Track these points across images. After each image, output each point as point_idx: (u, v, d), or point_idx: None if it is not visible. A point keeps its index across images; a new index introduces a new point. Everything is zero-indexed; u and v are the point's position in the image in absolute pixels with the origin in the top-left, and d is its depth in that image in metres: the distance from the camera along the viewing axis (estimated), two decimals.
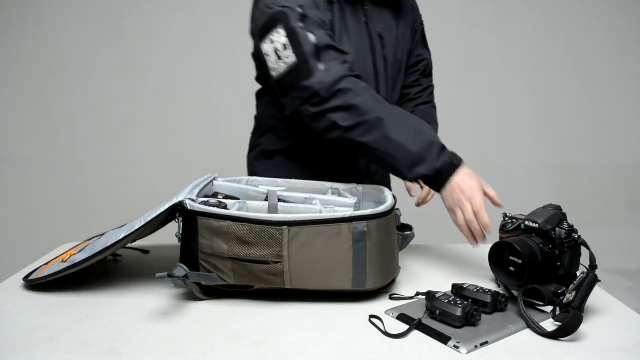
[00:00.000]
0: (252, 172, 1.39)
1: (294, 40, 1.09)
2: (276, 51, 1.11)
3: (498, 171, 3.16)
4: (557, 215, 0.97)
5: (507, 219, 1.06)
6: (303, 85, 1.09)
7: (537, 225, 0.97)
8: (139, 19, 3.01)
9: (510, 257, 0.95)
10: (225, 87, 3.01)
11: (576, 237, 0.95)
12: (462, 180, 1.06)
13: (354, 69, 1.13)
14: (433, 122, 1.43)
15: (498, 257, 0.98)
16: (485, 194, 1.07)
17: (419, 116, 1.41)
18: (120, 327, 0.88)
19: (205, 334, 0.85)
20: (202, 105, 3.08)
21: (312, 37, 1.09)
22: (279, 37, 1.10)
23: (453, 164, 1.07)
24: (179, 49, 3.04)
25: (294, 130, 1.28)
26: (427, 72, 1.48)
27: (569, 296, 0.88)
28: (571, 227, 0.96)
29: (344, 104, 1.07)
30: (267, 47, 1.13)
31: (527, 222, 0.99)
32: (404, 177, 1.11)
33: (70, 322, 0.90)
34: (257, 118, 1.41)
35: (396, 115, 1.09)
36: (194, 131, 3.08)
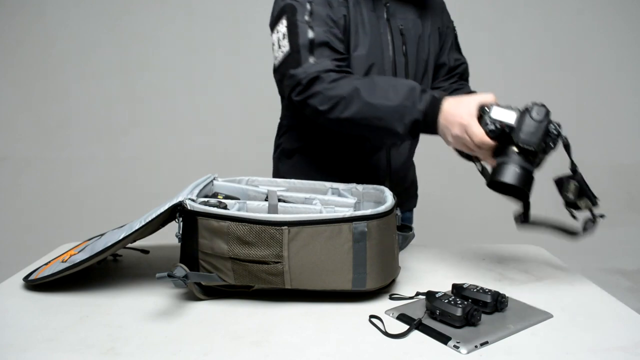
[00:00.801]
0: (276, 172, 1.40)
1: (292, 31, 1.15)
2: (278, 40, 1.18)
3: None
4: (546, 124, 0.96)
5: (486, 115, 0.99)
6: (290, 73, 1.14)
7: (533, 149, 0.95)
8: (139, 18, 3.02)
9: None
10: (225, 87, 3.01)
11: (564, 140, 0.97)
12: (449, 111, 1.02)
13: (356, 65, 1.18)
14: None
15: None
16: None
17: None
18: (120, 327, 0.88)
19: (205, 334, 0.85)
20: (202, 105, 3.08)
21: (310, 32, 1.14)
22: (282, 27, 1.17)
23: (435, 97, 1.05)
24: (179, 48, 3.04)
25: (309, 129, 1.30)
26: (466, 76, 1.46)
27: (582, 203, 0.97)
28: (558, 133, 0.97)
29: (321, 90, 1.11)
30: (273, 37, 1.20)
31: (522, 145, 0.96)
32: (398, 135, 1.09)
33: (70, 322, 0.90)
34: (280, 118, 1.43)
35: (370, 81, 1.11)
36: (193, 131, 3.08)
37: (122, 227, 1.05)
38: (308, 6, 1.16)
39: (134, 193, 2.87)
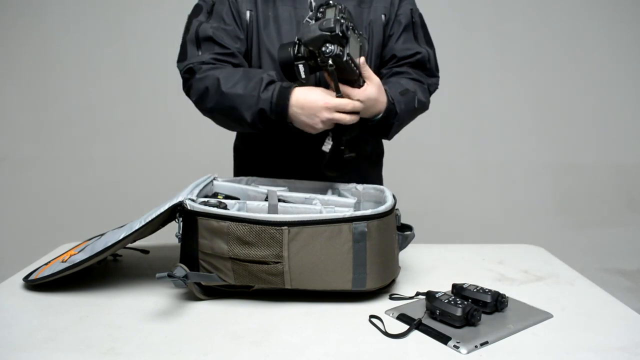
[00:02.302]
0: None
1: (185, 28, 1.23)
2: None
3: (498, 171, 3.17)
4: (322, 37, 0.97)
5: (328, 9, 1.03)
6: (177, 66, 1.22)
7: (298, 42, 1.02)
8: (139, 18, 3.01)
9: None
10: None
11: (329, 66, 0.98)
12: (301, 99, 1.05)
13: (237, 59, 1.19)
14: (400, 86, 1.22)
15: None
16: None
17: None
18: (120, 327, 0.88)
19: (205, 334, 0.85)
20: None
21: (198, 28, 1.19)
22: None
23: (283, 87, 1.06)
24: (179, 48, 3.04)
25: None
26: (426, 67, 1.32)
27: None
28: (328, 54, 0.97)
29: (193, 82, 1.15)
30: None
31: (298, 35, 1.03)
32: (250, 125, 1.10)
33: (70, 322, 0.90)
34: None
35: (232, 72, 1.12)
36: (194, 131, 3.07)
37: (122, 227, 1.05)
38: (210, 5, 1.21)
39: (134, 193, 2.87)
